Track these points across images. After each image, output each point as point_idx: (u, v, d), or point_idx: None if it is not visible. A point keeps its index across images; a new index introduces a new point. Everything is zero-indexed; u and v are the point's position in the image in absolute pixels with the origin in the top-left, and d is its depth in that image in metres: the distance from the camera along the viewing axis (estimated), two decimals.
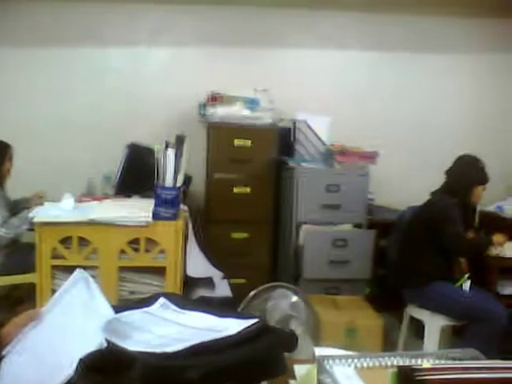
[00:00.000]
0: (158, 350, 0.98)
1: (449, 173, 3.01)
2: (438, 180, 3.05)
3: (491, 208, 3.77)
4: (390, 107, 4.25)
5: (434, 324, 2.85)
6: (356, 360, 1.03)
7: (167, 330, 1.13)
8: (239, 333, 1.06)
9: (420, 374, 0.68)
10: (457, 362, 0.87)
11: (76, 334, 1.11)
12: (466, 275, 2.86)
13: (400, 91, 4.27)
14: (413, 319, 3.06)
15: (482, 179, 2.94)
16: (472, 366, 0.71)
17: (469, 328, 2.73)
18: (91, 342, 1.03)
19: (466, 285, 2.83)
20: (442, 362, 1.05)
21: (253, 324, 1.10)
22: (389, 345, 3.12)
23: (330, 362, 1.01)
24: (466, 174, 2.94)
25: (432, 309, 2.84)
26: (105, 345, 1.03)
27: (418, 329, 3.08)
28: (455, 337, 3.00)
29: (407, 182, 4.06)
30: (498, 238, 2.93)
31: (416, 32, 4.21)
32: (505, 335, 2.68)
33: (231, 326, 1.09)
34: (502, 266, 2.95)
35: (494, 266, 2.93)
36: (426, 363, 0.71)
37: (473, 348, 2.62)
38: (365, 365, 1.02)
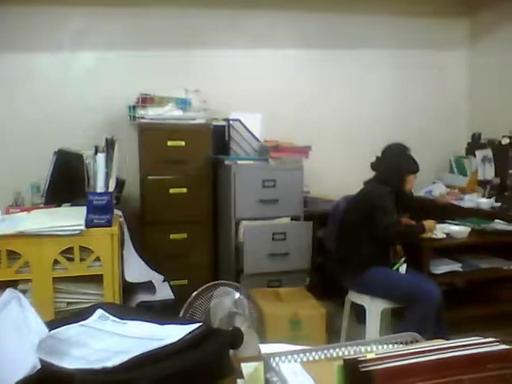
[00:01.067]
0: (97, 366, 0.93)
1: (379, 163, 3.11)
2: (368, 169, 3.15)
3: (421, 193, 3.94)
4: (319, 102, 4.32)
5: (374, 308, 2.93)
6: (302, 355, 1.03)
7: (107, 342, 1.08)
8: (182, 339, 1.03)
9: (365, 365, 0.68)
10: (400, 347, 0.89)
11: (8, 358, 1.04)
12: (402, 259, 2.96)
13: (329, 86, 4.36)
14: (354, 305, 3.14)
15: (413, 168, 3.05)
16: (415, 351, 0.73)
17: (407, 309, 2.82)
18: (25, 364, 0.97)
19: (403, 268, 2.93)
20: (385, 348, 1.08)
21: (196, 329, 1.07)
22: (332, 332, 3.19)
23: (276, 358, 1.01)
24: (398, 164, 3.04)
25: (371, 294, 2.92)
26: (38, 366, 0.97)
27: (359, 314, 3.16)
28: (395, 319, 3.10)
29: (340, 172, 4.17)
30: (429, 224, 3.05)
31: (344, 29, 4.32)
32: (437, 314, 2.81)
33: (173, 333, 1.06)
34: (433, 247, 3.07)
35: (426, 247, 3.04)
36: (371, 353, 0.71)
37: (411, 328, 2.73)
38: (311, 358, 1.03)
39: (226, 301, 2.43)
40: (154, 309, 2.57)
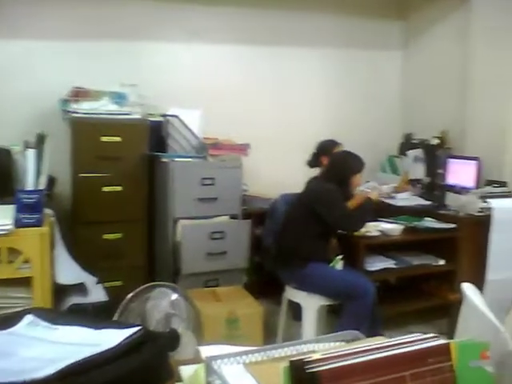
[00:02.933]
0: (26, 377, 0.87)
1: (316, 163, 3.16)
2: (306, 167, 3.21)
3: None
4: (257, 100, 4.33)
5: (311, 305, 2.97)
6: (244, 356, 1.01)
7: (39, 350, 1.01)
8: (120, 344, 0.99)
9: (311, 366, 0.68)
10: (343, 345, 0.89)
11: None
12: (339, 256, 3.02)
13: (268, 84, 4.38)
14: (291, 303, 3.17)
15: (360, 167, 3.10)
16: (359, 350, 0.73)
17: (343, 306, 2.88)
18: None
19: (339, 265, 2.99)
20: (328, 346, 1.08)
21: (134, 333, 1.03)
22: (270, 330, 3.20)
23: (218, 361, 0.99)
24: (345, 162, 3.09)
25: (309, 290, 2.95)
26: None
27: (296, 312, 3.20)
28: (331, 315, 3.16)
29: (278, 170, 4.20)
30: (374, 195, 3.16)
31: (282, 27, 4.35)
32: (372, 310, 2.88)
33: (110, 338, 1.01)
34: (368, 244, 3.15)
35: (361, 244, 3.12)
36: (316, 354, 0.71)
37: (348, 324, 2.78)
38: (253, 360, 1.01)
39: (163, 302, 2.38)
40: (87, 312, 2.48)
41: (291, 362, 0.70)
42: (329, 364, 0.68)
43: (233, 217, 3.47)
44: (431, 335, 0.78)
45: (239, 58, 4.30)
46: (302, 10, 4.34)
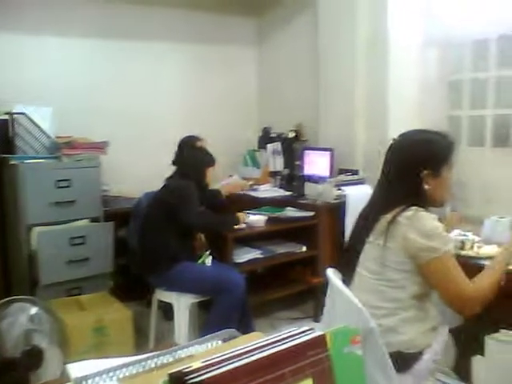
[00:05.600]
0: None
1: (179, 158, 3.14)
2: (169, 163, 3.16)
3: (217, 186, 4.06)
4: (116, 96, 4.14)
5: (182, 304, 2.94)
6: (118, 371, 0.95)
7: None
8: None
9: (192, 376, 0.65)
10: (222, 348, 0.87)
11: None
12: (207, 251, 3.02)
13: (126, 79, 4.21)
14: (162, 302, 3.10)
15: (210, 161, 3.13)
16: (240, 352, 0.71)
17: (214, 300, 2.89)
18: None
19: (208, 260, 2.99)
20: (205, 347, 1.06)
21: None
22: (142, 333, 3.12)
23: (90, 381, 0.91)
24: (196, 157, 3.11)
25: (180, 290, 2.92)
26: None
27: (167, 311, 3.14)
28: (202, 310, 3.16)
29: (140, 168, 4.08)
30: (241, 216, 3.19)
31: (138, 22, 4.21)
32: (242, 301, 2.94)
33: None
34: (235, 236, 3.19)
35: (228, 238, 3.15)
36: (196, 362, 0.68)
37: (219, 317, 2.80)
38: (127, 373, 0.95)
39: (22, 318, 2.19)
40: None
41: (170, 374, 0.66)
42: (210, 372, 0.66)
43: (94, 220, 3.30)
44: (306, 328, 0.79)
45: (95, 53, 4.06)
46: (156, 6, 4.24)
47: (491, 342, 0.75)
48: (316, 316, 3.51)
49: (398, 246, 1.68)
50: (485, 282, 1.69)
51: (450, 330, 1.79)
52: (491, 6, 3.44)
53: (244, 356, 0.71)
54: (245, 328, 2.92)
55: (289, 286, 3.61)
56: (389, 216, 1.71)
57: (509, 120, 3.56)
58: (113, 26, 4.11)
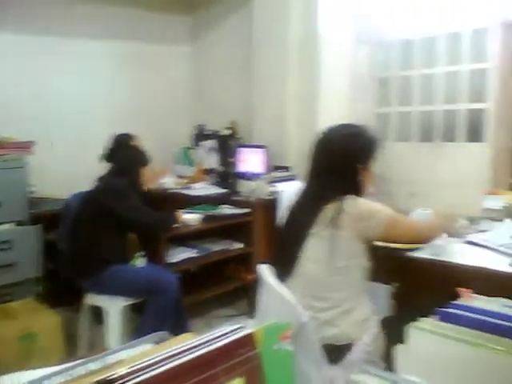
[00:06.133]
0: None
1: (113, 157, 3.05)
2: (97, 163, 3.07)
3: (155, 185, 4.01)
4: (43, 93, 3.98)
5: (114, 307, 2.86)
6: (46, 381, 0.91)
7: None
8: None
9: (118, 383, 0.63)
10: (152, 351, 0.86)
11: None
12: (140, 253, 2.96)
13: (54, 76, 4.05)
14: (93, 306, 3.01)
15: (145, 160, 3.08)
16: (169, 355, 0.70)
17: (147, 302, 2.84)
18: None
19: (141, 261, 2.93)
20: (136, 351, 1.03)
21: None
22: (73, 340, 3.02)
23: None
24: (130, 157, 3.04)
25: (112, 293, 2.84)
26: None
27: (99, 315, 3.05)
28: (135, 313, 3.09)
29: (70, 168, 3.94)
30: (179, 215, 3.16)
31: (67, 17, 4.06)
32: (176, 302, 2.90)
33: None
34: (169, 236, 3.15)
35: (162, 238, 3.11)
36: (122, 368, 0.66)
37: (153, 320, 2.75)
38: (55, 383, 0.92)
39: None
40: None
41: (96, 382, 0.64)
42: (137, 377, 0.64)
43: (19, 223, 3.14)
44: (236, 326, 0.79)
45: (23, 50, 3.87)
46: (90, 4, 4.10)
47: (412, 330, 0.78)
48: (251, 313, 3.52)
49: (348, 234, 1.74)
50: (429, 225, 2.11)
51: (380, 321, 1.86)
52: (417, 8, 3.60)
53: (173, 359, 0.70)
54: (180, 328, 2.89)
55: (224, 283, 3.61)
56: (332, 206, 1.76)
57: (433, 116, 3.74)
58: (45, 23, 3.95)
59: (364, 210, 1.78)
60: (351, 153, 1.84)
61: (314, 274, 1.79)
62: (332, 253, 1.75)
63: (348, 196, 1.78)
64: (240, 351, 0.74)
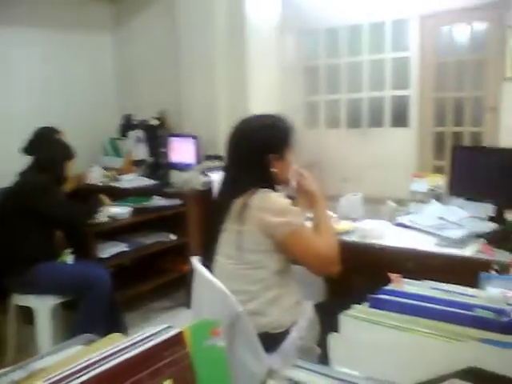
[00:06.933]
0: None
1: (35, 151, 2.89)
2: (21, 156, 2.90)
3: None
4: None
5: (44, 307, 2.75)
6: None
7: None
8: None
9: None
10: (78, 357, 0.80)
11: None
12: (68, 250, 2.85)
13: None
14: (21, 307, 2.87)
15: (70, 155, 2.97)
16: (92, 361, 0.66)
17: (80, 300, 2.74)
18: None
19: (70, 258, 2.82)
20: (65, 354, 0.97)
21: None
22: (2, 341, 2.87)
23: None
24: (54, 151, 2.91)
25: (40, 292, 2.72)
26: None
27: (28, 315, 2.91)
28: (67, 311, 2.97)
29: None
30: (104, 198, 3.08)
31: None
32: (110, 298, 2.82)
33: None
34: (98, 231, 3.05)
35: (90, 233, 3.00)
36: (38, 380, 0.61)
37: (86, 318, 2.66)
38: None
39: None
40: None
41: None
42: None
43: None
44: (164, 326, 0.75)
45: None
46: None
47: (344, 318, 0.78)
48: (189, 303, 3.49)
49: (253, 228, 1.71)
50: (331, 238, 1.85)
51: (315, 306, 1.88)
52: None
53: (97, 364, 0.65)
54: (115, 324, 2.84)
55: (160, 276, 3.55)
56: (240, 200, 1.73)
57: (359, 103, 3.82)
58: None
59: (276, 204, 1.73)
60: (263, 144, 1.81)
61: (227, 269, 1.78)
62: (240, 248, 1.73)
63: (260, 190, 1.75)
64: (167, 352, 0.71)
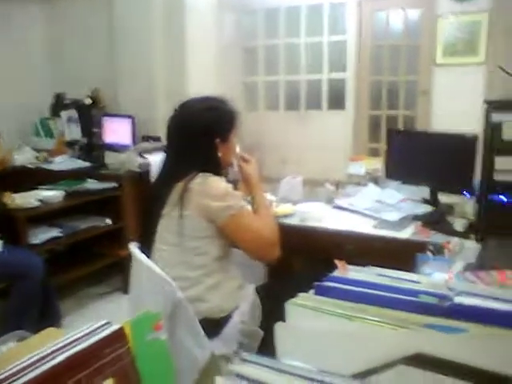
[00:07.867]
0: None
1: None
2: None
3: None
4: None
5: None
6: None
7: None
8: None
9: None
10: (11, 356, 0.75)
11: None
12: None
13: None
14: None
15: None
16: (30, 362, 0.62)
17: (11, 288, 2.62)
18: None
19: None
20: None
21: None
22: None
23: None
24: None
25: None
26: None
27: None
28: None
29: None
30: (8, 195, 2.90)
31: None
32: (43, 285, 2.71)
33: None
34: (28, 216, 2.90)
35: (20, 218, 2.85)
36: None
37: (19, 306, 2.54)
38: None
39: None
40: None
41: None
42: None
43: None
44: (103, 322, 0.71)
45: None
46: None
47: (290, 307, 0.77)
48: (125, 289, 3.42)
49: (194, 213, 1.68)
50: (272, 222, 1.84)
51: (256, 289, 1.87)
52: None
53: (31, 368, 0.61)
54: (50, 313, 2.74)
55: (96, 261, 3.44)
56: (180, 185, 1.69)
57: (297, 85, 3.83)
58: None
59: (216, 189, 1.69)
60: (207, 127, 1.76)
61: (167, 255, 1.75)
62: (181, 234, 1.70)
63: (202, 174, 1.71)
64: (107, 351, 0.67)
